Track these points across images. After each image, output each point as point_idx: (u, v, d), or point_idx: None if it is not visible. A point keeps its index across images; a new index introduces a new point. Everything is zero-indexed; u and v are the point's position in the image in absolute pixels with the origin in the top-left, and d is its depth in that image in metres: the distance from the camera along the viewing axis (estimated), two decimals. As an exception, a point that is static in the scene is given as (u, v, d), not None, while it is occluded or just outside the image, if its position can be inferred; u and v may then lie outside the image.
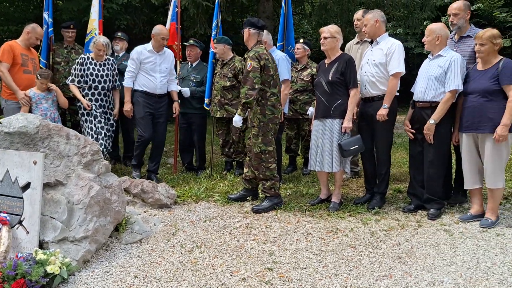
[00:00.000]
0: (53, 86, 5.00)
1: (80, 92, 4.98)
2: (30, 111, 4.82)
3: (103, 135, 4.94)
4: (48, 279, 2.66)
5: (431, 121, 3.73)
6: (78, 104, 5.05)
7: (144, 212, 3.98)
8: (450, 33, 4.27)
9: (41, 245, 2.98)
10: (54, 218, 3.02)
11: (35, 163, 2.98)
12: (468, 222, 3.70)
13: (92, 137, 4.88)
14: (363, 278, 2.80)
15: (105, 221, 3.15)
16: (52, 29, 5.74)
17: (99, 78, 5.00)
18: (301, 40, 5.38)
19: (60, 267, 2.71)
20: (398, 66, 3.92)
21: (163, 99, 5.10)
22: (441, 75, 3.72)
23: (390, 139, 4.11)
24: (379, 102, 4.00)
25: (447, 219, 3.80)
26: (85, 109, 4.95)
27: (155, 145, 5.14)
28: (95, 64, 5.01)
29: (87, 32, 5.66)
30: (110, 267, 2.98)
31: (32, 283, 2.59)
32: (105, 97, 5.07)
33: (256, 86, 3.97)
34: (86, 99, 4.95)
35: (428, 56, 3.96)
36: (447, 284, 2.70)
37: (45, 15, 5.66)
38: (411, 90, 4.04)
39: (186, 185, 4.89)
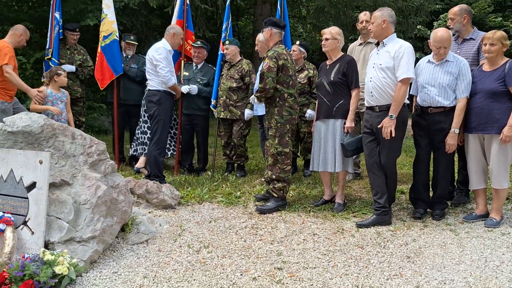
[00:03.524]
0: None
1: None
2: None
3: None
4: (57, 280, 2.61)
5: (456, 130, 3.63)
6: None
7: (149, 212, 3.94)
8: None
9: (47, 245, 2.92)
10: (60, 219, 2.96)
11: (41, 162, 2.92)
12: (473, 222, 3.73)
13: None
14: (374, 277, 2.80)
15: (112, 221, 3.11)
16: (62, 30, 5.69)
17: None
18: (298, 42, 5.40)
19: (68, 268, 2.67)
20: (407, 71, 3.55)
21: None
22: (453, 82, 3.65)
23: (398, 153, 3.79)
24: (388, 112, 3.62)
25: (452, 219, 3.82)
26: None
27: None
28: None
29: (106, 34, 5.52)
30: (118, 268, 2.93)
31: (41, 284, 2.54)
32: None
33: (268, 86, 3.98)
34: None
35: (430, 60, 3.78)
36: (457, 283, 2.71)
37: (57, 15, 5.59)
38: (411, 93, 3.90)
39: (188, 187, 4.85)
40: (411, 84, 3.78)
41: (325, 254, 3.16)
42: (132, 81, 5.76)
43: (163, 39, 4.92)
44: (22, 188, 2.97)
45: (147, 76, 4.94)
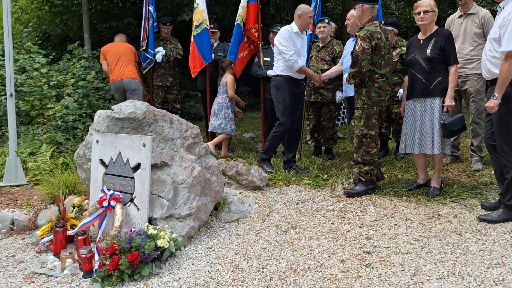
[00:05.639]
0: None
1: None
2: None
3: None
4: (159, 253, 2.86)
5: None
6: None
7: (239, 193, 4.12)
8: None
9: (150, 221, 3.21)
10: (161, 197, 3.24)
11: (144, 145, 3.21)
12: None
13: None
14: (473, 265, 2.62)
15: (206, 200, 3.32)
16: (156, 23, 6.13)
17: None
18: (382, 22, 5.13)
19: (168, 242, 2.91)
20: (508, 43, 3.03)
21: (302, 84, 4.93)
22: None
23: (509, 137, 3.21)
24: (493, 88, 3.22)
25: None
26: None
27: (293, 132, 4.85)
28: None
29: (197, 23, 5.75)
30: (212, 244, 3.13)
31: (145, 256, 2.79)
32: None
33: (364, 70, 3.85)
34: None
35: None
36: None
37: (150, 9, 6.07)
38: None
39: (276, 169, 4.95)
40: None
41: (418, 240, 3.03)
42: (218, 68, 5.99)
43: (293, 22, 4.74)
44: (129, 168, 3.28)
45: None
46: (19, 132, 5.66)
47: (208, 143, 5.72)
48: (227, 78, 5.68)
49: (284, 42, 4.53)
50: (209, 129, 5.85)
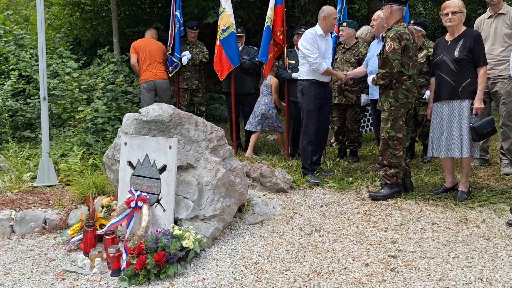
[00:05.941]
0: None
1: None
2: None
3: None
4: (184, 253, 2.92)
5: None
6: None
7: (263, 195, 4.14)
8: None
9: (175, 222, 3.27)
10: (186, 198, 3.30)
11: (170, 147, 3.28)
12: None
13: None
14: (501, 271, 2.56)
15: (230, 201, 3.36)
16: (183, 28, 6.24)
17: None
18: (412, 22, 5.06)
19: (193, 242, 2.96)
20: None
21: (329, 86, 4.87)
22: None
23: None
24: None
25: None
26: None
27: (319, 135, 4.76)
28: None
29: (224, 27, 5.77)
30: (236, 245, 3.17)
31: (171, 256, 2.85)
32: None
33: (395, 70, 3.81)
34: None
35: None
36: None
37: (177, 13, 6.16)
38: None
39: (300, 171, 4.95)
40: None
41: (445, 245, 2.98)
42: (243, 72, 6.04)
43: (317, 25, 4.67)
44: (155, 170, 3.36)
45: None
46: (51, 134, 5.85)
47: (287, 155, 5.74)
48: (272, 81, 5.82)
49: (308, 46, 4.51)
50: (255, 128, 5.85)
